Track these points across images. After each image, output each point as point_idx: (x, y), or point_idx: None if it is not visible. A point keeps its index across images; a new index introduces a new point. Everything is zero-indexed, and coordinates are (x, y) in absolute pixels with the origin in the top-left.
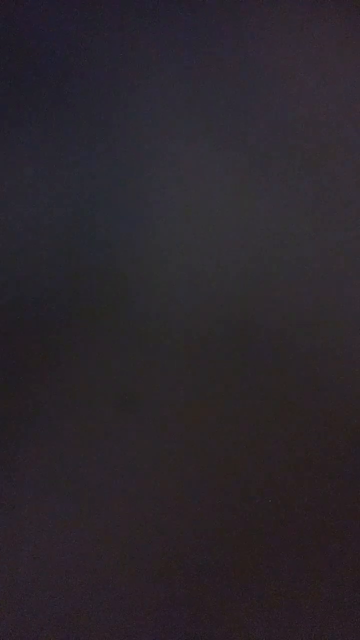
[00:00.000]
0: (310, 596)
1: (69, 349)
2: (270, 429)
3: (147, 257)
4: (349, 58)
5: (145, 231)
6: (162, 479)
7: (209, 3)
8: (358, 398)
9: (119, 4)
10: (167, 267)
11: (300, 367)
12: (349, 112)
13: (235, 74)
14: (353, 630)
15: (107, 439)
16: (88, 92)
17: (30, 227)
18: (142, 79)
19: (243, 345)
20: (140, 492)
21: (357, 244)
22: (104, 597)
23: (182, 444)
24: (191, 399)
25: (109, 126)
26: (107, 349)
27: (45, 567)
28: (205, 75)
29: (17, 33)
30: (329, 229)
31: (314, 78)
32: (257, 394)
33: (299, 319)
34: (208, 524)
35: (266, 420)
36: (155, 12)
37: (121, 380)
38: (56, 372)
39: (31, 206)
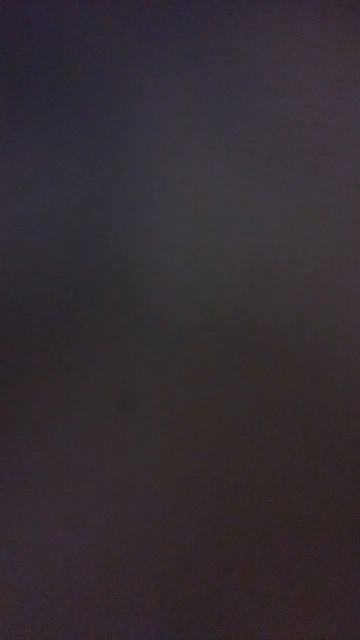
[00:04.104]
0: (310, 596)
1: (69, 349)
2: (271, 429)
3: (148, 257)
4: (349, 58)
5: (146, 231)
6: (162, 479)
7: (210, 2)
8: (358, 398)
9: (120, 3)
10: (167, 267)
11: (301, 367)
12: (349, 111)
13: (235, 74)
14: (353, 630)
15: (107, 438)
16: (89, 92)
17: (31, 226)
18: (143, 78)
19: (243, 345)
20: (140, 491)
21: (357, 244)
22: (103, 597)
23: (182, 444)
24: (191, 399)
25: (109, 126)
26: (107, 349)
27: (44, 567)
28: (205, 76)
29: (17, 33)
30: (330, 229)
31: (314, 78)
32: (257, 394)
33: (299, 317)
34: (208, 523)
35: (266, 420)
36: (157, 11)
37: (121, 380)
38: (56, 372)
39: (31, 206)
